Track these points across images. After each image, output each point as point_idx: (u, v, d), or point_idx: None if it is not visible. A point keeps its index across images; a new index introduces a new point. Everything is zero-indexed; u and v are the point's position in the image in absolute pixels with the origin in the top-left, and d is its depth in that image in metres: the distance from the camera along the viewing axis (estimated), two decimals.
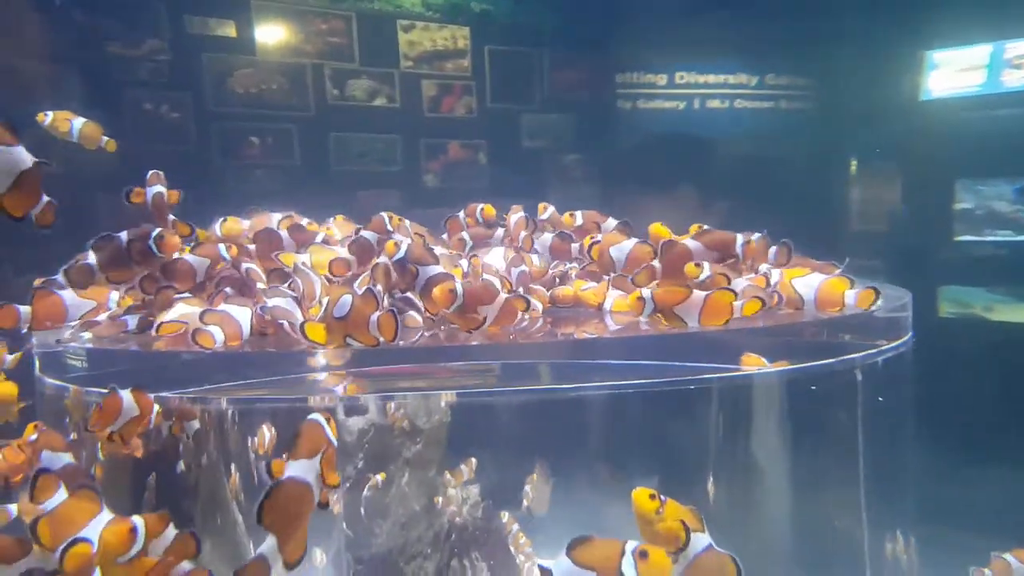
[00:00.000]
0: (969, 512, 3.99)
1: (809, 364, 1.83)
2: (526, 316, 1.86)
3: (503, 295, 1.76)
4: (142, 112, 4.72)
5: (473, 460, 2.60)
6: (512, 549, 2.42)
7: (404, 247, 1.85)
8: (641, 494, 1.51)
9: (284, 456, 1.32)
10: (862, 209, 5.87)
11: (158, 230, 1.92)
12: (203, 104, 4.90)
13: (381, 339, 1.56)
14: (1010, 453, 4.61)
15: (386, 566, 2.11)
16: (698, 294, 1.79)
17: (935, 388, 2.80)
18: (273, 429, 2.07)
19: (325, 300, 1.61)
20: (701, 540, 1.50)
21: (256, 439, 2.01)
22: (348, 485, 2.15)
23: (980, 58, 5.22)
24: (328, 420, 1.39)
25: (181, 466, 1.72)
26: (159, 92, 4.74)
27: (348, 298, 1.57)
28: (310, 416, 1.39)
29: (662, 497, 1.50)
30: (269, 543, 1.24)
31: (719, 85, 6.00)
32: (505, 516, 2.54)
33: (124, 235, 1.93)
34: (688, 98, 5.99)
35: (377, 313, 1.56)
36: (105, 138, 2.58)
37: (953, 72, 5.38)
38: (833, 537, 2.21)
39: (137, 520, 1.38)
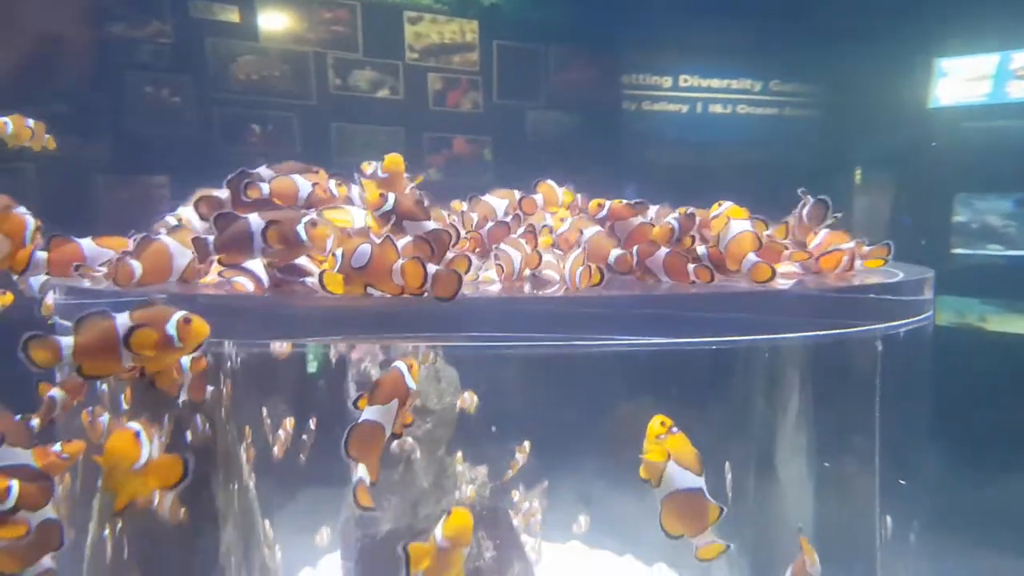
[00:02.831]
0: (965, 519, 4.00)
1: (829, 332, 1.81)
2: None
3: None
4: (143, 95, 4.66)
5: (527, 443, 2.61)
6: (521, 527, 2.45)
7: (391, 199, 1.82)
8: (656, 418, 1.55)
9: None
10: (865, 217, 5.90)
11: (312, 215, 1.66)
12: (204, 89, 4.84)
13: (405, 287, 1.52)
14: (1003, 461, 4.63)
15: (393, 542, 2.10)
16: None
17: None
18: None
19: (339, 251, 1.55)
20: (688, 479, 1.51)
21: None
22: None
23: (987, 68, 5.27)
24: (411, 367, 1.54)
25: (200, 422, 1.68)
26: (161, 75, 4.68)
27: (367, 247, 1.52)
28: (394, 364, 1.53)
29: (674, 429, 1.53)
30: (361, 468, 1.48)
31: (722, 90, 6.02)
32: (517, 494, 2.56)
33: (255, 218, 1.64)
34: (691, 101, 6.00)
35: (400, 260, 1.52)
36: (47, 135, 2.64)
37: (961, 81, 5.43)
38: (846, 507, 2.20)
39: (138, 426, 1.41)
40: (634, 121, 5.94)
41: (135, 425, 1.40)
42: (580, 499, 2.87)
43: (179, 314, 1.35)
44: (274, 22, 5.07)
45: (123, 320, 1.33)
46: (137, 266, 1.63)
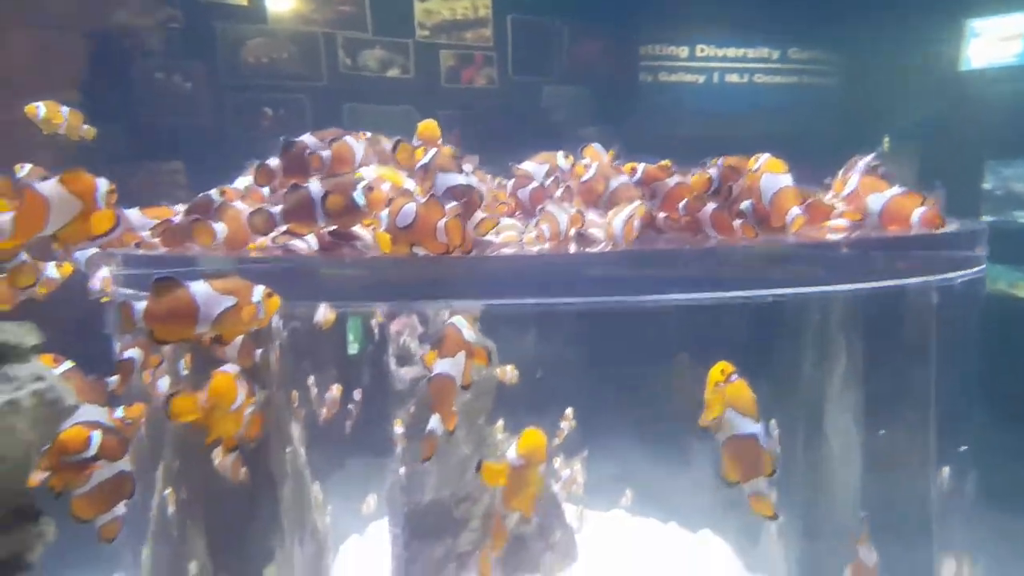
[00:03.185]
0: (995, 489, 3.93)
1: (885, 284, 1.77)
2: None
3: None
4: (154, 82, 4.62)
5: (569, 410, 2.61)
6: (562, 495, 2.46)
7: (430, 154, 1.88)
8: (719, 365, 1.57)
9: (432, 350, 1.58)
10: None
11: (365, 180, 1.67)
12: (215, 74, 4.79)
13: (449, 245, 1.55)
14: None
15: (437, 507, 2.15)
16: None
17: None
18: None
19: (384, 212, 1.58)
20: (746, 425, 1.52)
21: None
22: (402, 431, 2.14)
23: (1020, 27, 5.09)
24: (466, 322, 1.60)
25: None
26: (171, 61, 4.63)
27: (412, 207, 1.55)
28: (450, 320, 1.59)
29: (733, 377, 1.54)
30: (434, 420, 1.55)
31: (739, 59, 5.89)
32: (558, 461, 2.56)
33: (316, 185, 1.65)
34: (708, 71, 5.88)
35: (444, 219, 1.53)
36: (85, 126, 2.59)
37: (994, 41, 5.25)
38: (901, 457, 2.17)
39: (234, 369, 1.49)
40: (651, 93, 5.83)
41: (232, 368, 1.48)
42: (622, 468, 2.86)
43: (261, 287, 1.40)
44: (282, 4, 5.01)
45: (204, 288, 1.35)
46: (222, 228, 1.64)
